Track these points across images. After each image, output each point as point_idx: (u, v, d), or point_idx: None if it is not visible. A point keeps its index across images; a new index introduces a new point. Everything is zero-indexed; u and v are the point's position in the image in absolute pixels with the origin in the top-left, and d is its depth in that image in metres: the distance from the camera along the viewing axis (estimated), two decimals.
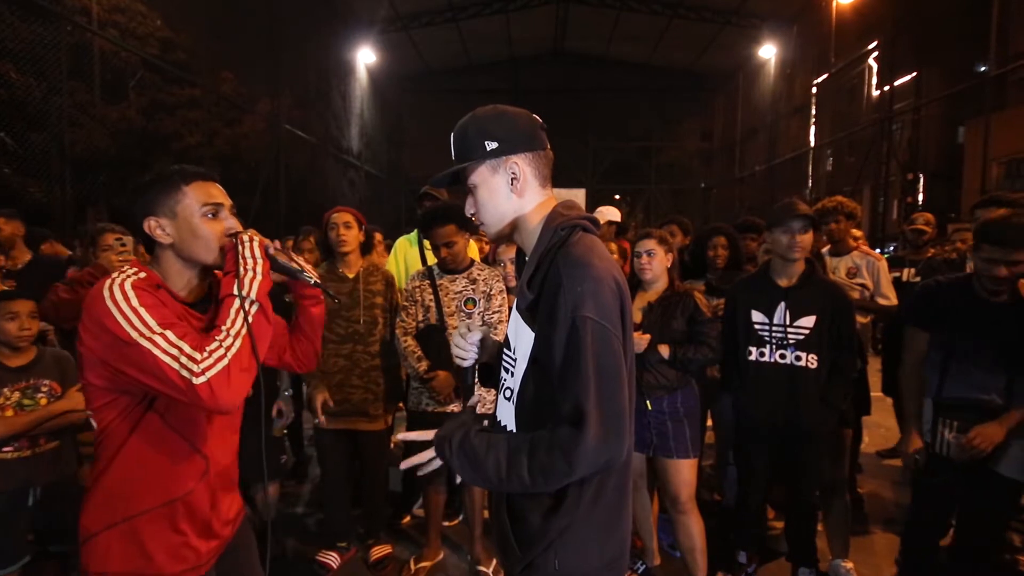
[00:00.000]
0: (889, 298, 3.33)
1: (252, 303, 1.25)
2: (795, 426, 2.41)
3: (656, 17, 14.10)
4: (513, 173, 1.19)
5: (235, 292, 1.24)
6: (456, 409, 2.67)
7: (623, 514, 1.22)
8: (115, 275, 1.25)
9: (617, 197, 18.79)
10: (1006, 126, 8.53)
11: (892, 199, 11.18)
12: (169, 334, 1.16)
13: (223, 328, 1.20)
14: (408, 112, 17.72)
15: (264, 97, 9.95)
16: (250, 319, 1.23)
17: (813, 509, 2.63)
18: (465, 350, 1.37)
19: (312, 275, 1.45)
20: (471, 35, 15.06)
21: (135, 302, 1.18)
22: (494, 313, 2.68)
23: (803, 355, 2.41)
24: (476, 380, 1.44)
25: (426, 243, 3.55)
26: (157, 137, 8.29)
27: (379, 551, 2.90)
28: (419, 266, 3.15)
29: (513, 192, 1.20)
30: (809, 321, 2.41)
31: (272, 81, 9.87)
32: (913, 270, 4.01)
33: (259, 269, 1.29)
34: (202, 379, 1.12)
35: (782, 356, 2.45)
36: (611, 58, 17.36)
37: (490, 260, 3.17)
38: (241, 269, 1.26)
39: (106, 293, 1.19)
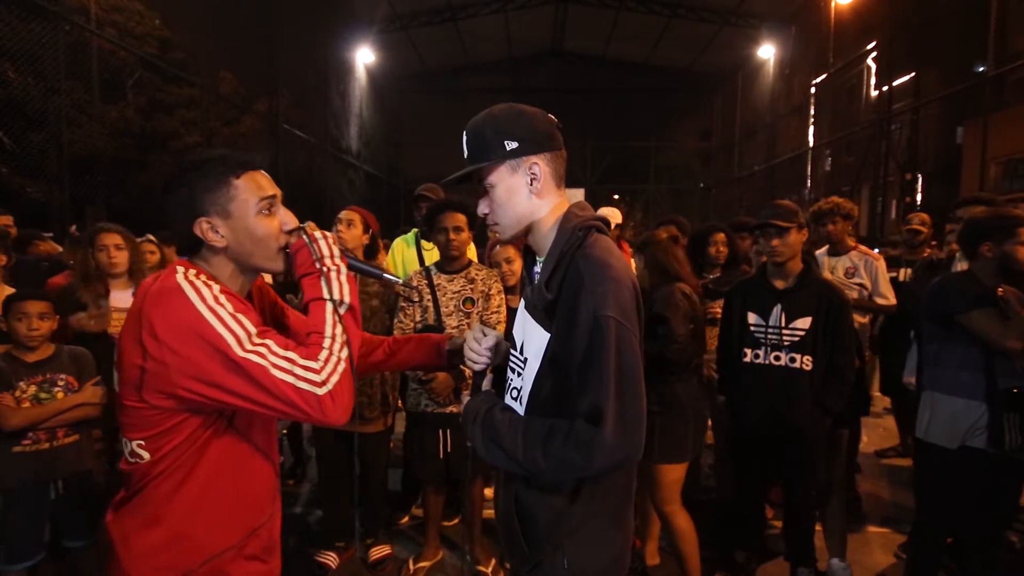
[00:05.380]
0: (887, 297, 3.34)
1: (345, 307, 1.12)
2: (790, 427, 2.40)
3: (655, 17, 14.09)
4: (533, 173, 1.18)
5: (325, 296, 1.10)
6: (456, 410, 2.66)
7: (629, 512, 1.24)
8: (184, 275, 1.07)
9: (616, 197, 18.77)
10: (1004, 126, 8.50)
11: (890, 199, 11.18)
12: (271, 343, 1.02)
13: (324, 334, 1.07)
14: (407, 112, 17.68)
15: (263, 96, 9.94)
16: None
17: (810, 509, 2.63)
18: (479, 354, 1.31)
19: (393, 274, 1.37)
20: (470, 35, 15.03)
21: (230, 307, 1.03)
22: (492, 313, 2.68)
23: (798, 357, 2.41)
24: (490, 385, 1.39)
25: (424, 244, 3.55)
26: (155, 136, 8.29)
27: (378, 551, 2.91)
28: (417, 266, 3.15)
29: (532, 193, 1.20)
30: (805, 323, 2.40)
31: (271, 80, 9.86)
32: (909, 270, 4.02)
33: (343, 269, 1.15)
34: (325, 390, 1.00)
35: (776, 358, 2.45)
36: (610, 58, 17.32)
37: (485, 262, 3.17)
38: (323, 268, 1.13)
39: (193, 298, 1.02)
